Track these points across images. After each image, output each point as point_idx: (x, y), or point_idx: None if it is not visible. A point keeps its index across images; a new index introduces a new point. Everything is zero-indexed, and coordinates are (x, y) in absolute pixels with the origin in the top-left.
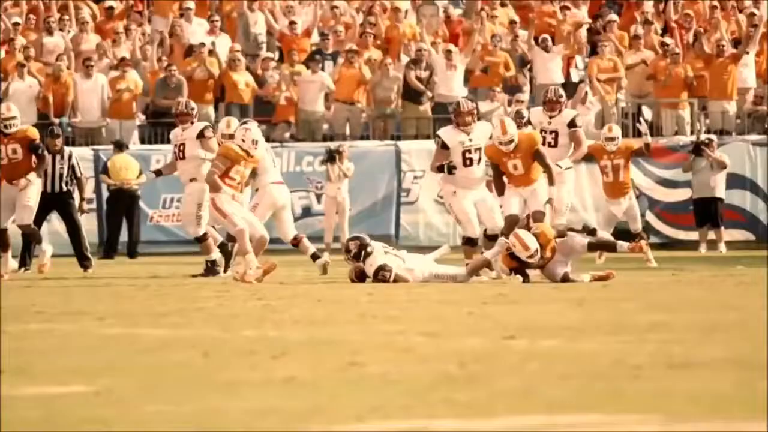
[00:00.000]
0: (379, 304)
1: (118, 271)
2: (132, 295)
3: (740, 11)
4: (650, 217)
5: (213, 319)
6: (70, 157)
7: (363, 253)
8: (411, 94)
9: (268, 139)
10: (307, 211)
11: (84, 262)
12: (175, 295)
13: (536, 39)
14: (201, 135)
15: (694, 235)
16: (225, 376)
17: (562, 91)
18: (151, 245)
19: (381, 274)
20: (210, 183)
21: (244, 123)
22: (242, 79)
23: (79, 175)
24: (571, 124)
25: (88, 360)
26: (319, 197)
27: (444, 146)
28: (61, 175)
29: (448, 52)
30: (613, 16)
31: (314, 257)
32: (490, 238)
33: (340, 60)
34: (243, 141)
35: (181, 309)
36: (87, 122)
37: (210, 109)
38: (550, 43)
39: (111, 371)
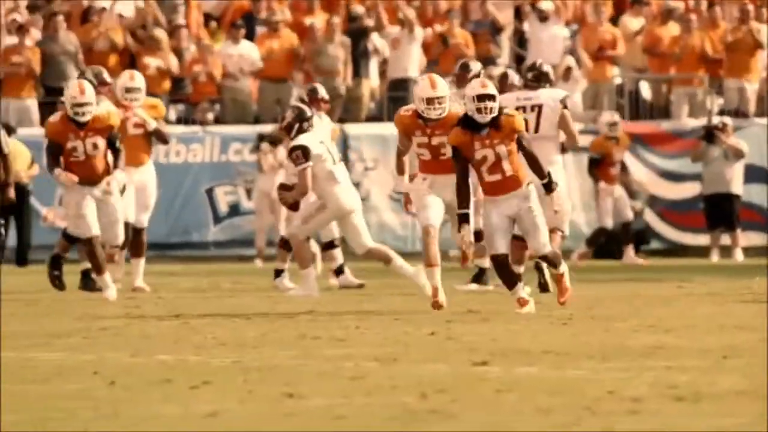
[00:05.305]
0: (322, 323)
1: (5, 283)
2: (21, 311)
3: None
4: (651, 217)
5: (120, 340)
6: None
7: (298, 126)
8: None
9: (186, 122)
10: (234, 210)
11: None
12: (75, 312)
13: (532, 5)
14: None
15: (704, 240)
16: (134, 410)
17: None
18: (45, 251)
19: (294, 155)
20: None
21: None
22: (153, 62)
23: (5, 152)
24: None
25: None
26: (249, 192)
27: None
28: None
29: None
30: None
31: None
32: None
33: (264, 29)
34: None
35: (81, 328)
36: None
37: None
38: (550, 8)
39: None
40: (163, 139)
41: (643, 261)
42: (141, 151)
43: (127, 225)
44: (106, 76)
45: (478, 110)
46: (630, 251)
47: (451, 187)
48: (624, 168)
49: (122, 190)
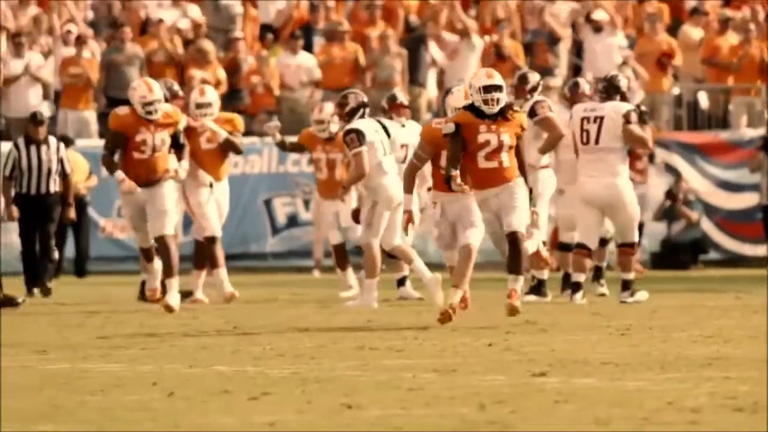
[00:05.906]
0: (380, 333)
1: (64, 294)
2: (79, 322)
3: None
4: (708, 227)
5: (178, 351)
6: (58, 149)
7: (362, 112)
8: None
9: (244, 133)
10: (292, 221)
11: (45, 283)
12: (133, 323)
13: (587, 16)
14: None
15: (762, 250)
16: (193, 421)
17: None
18: (103, 262)
19: (349, 138)
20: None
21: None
22: (199, 75)
23: (68, 172)
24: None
25: (26, 402)
26: (307, 203)
27: None
28: (48, 172)
29: (463, 30)
30: None
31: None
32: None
33: (322, 40)
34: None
35: (139, 340)
36: (17, 112)
37: None
38: (605, 19)
39: (54, 415)
40: (236, 149)
41: (641, 268)
42: (216, 167)
43: (214, 239)
44: (177, 89)
45: (485, 101)
46: None
47: (457, 203)
48: (652, 160)
49: (210, 186)
